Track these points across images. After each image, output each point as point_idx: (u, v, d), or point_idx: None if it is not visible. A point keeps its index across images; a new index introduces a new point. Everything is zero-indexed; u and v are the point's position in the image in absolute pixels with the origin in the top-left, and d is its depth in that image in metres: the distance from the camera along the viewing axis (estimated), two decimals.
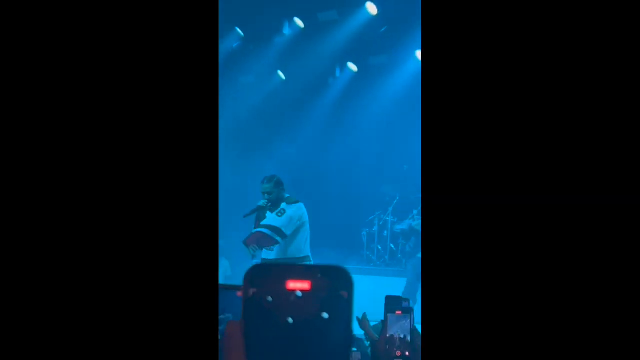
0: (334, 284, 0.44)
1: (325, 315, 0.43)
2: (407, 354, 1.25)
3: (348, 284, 0.44)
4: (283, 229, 3.82)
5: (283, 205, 3.90)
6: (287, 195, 3.99)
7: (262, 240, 3.82)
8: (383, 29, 6.82)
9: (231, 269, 6.63)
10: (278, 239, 3.81)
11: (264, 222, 3.87)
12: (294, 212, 3.89)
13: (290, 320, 0.44)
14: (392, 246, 7.28)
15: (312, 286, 0.44)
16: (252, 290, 0.45)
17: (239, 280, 0.57)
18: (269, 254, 3.93)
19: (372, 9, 6.62)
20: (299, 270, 0.44)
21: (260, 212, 3.93)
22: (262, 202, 3.91)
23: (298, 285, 0.44)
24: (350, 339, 0.45)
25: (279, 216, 3.86)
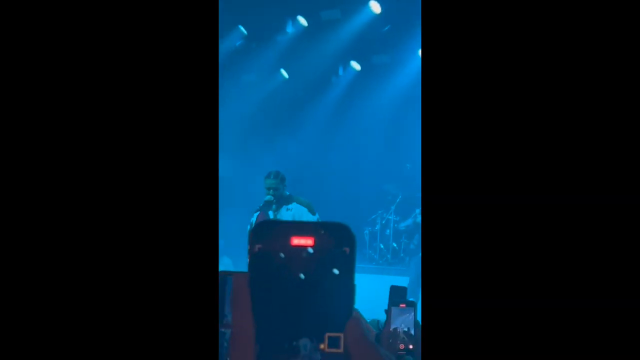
0: (336, 240, 0.45)
1: (336, 271, 0.45)
2: (411, 347, 1.25)
3: (350, 240, 0.46)
4: None
5: (304, 211, 3.96)
6: (287, 193, 4.02)
7: None
8: (386, 28, 6.82)
9: (234, 267, 6.65)
10: None
11: None
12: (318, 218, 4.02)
13: (302, 276, 0.45)
14: (395, 245, 7.29)
15: (315, 242, 0.45)
16: (257, 246, 0.46)
17: None
18: None
19: (375, 7, 6.62)
20: (303, 226, 0.46)
21: (266, 208, 3.96)
22: (268, 197, 3.95)
23: (302, 242, 0.45)
24: (354, 294, 0.46)
25: None
